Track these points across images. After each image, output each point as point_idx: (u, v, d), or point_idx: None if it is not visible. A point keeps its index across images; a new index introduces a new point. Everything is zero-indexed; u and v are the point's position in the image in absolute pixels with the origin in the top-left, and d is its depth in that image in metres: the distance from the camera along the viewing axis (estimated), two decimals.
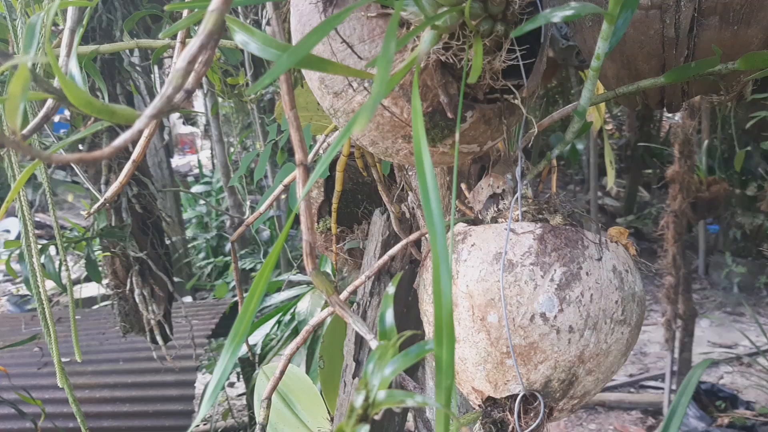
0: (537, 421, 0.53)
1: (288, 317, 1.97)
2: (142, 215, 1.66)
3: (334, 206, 0.82)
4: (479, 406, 0.57)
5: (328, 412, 1.03)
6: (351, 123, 0.41)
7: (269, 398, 0.61)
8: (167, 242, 1.82)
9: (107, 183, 1.67)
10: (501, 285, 0.51)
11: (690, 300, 2.68)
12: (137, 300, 1.66)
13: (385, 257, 0.59)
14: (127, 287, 1.70)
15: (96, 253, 1.70)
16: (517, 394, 0.54)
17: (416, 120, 0.39)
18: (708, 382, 2.67)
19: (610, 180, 2.56)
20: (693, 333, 2.68)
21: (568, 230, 0.53)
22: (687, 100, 0.72)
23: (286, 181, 0.78)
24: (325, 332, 1.01)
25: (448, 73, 0.46)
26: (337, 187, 0.88)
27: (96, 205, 0.64)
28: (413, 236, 0.59)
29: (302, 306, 1.89)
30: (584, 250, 0.52)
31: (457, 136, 0.43)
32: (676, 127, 2.58)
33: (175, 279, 1.92)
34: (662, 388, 2.73)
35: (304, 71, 0.55)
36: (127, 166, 0.57)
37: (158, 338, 1.74)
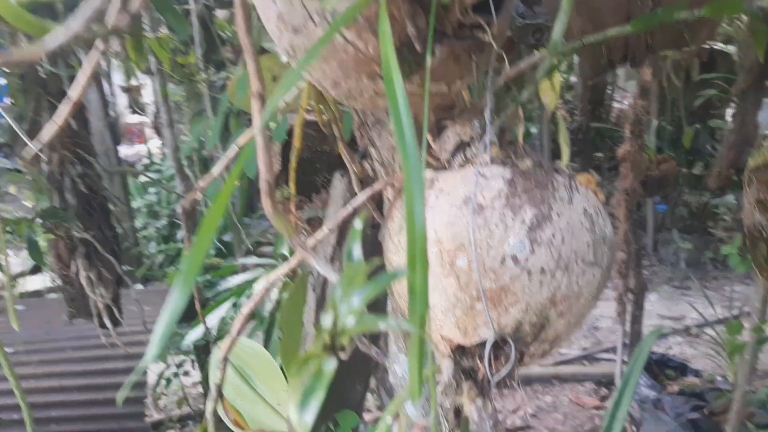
0: (508, 367, 0.52)
1: (244, 300, 1.92)
2: (87, 195, 1.59)
3: (293, 165, 0.78)
4: (448, 356, 0.55)
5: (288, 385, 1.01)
6: (311, 52, 0.39)
7: (225, 359, 0.58)
8: (117, 231, 1.75)
9: (49, 162, 1.60)
10: (470, 228, 0.50)
11: (640, 275, 2.75)
12: (83, 283, 1.59)
13: (348, 208, 0.56)
14: (72, 270, 1.63)
15: (39, 236, 1.62)
16: (488, 340, 0.52)
17: (386, 43, 0.36)
18: (658, 353, 2.75)
19: (565, 158, 2.59)
20: (643, 306, 2.75)
21: (537, 173, 0.52)
22: (651, 54, 0.72)
23: (240, 141, 0.75)
24: (284, 303, 0.98)
25: (416, 3, 0.44)
26: (296, 143, 0.84)
27: (33, 150, 0.59)
28: (378, 185, 0.57)
29: (258, 288, 1.85)
30: (554, 192, 0.51)
31: (428, 64, 0.41)
32: (627, 108, 2.63)
33: (126, 268, 1.85)
34: (614, 360, 2.80)
35: (260, 11, 0.52)
36: (65, 106, 0.52)
37: (107, 322, 1.68)
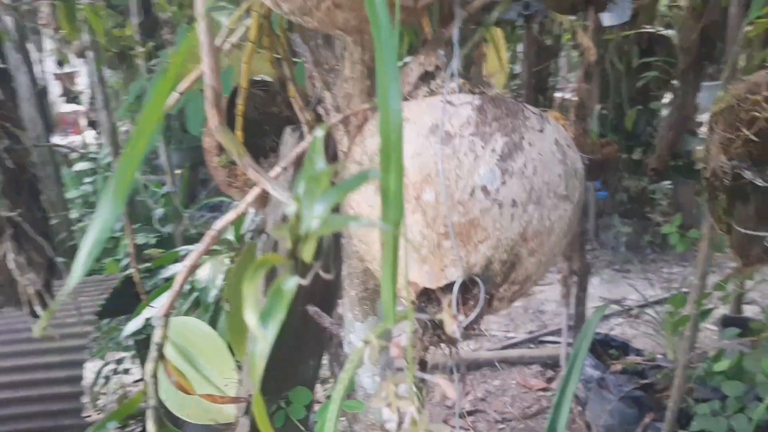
0: (476, 311, 0.49)
1: (187, 287, 1.84)
2: (13, 171, 1.48)
3: (240, 109, 0.73)
4: (412, 302, 0.52)
5: (237, 362, 0.96)
6: None
7: (166, 315, 0.53)
8: (51, 221, 1.64)
9: None
10: (438, 158, 0.46)
11: (584, 257, 2.79)
12: (12, 267, 1.48)
13: (304, 144, 0.52)
14: None
15: None
16: (454, 282, 0.49)
17: None
18: (601, 333, 2.80)
19: None
20: (587, 289, 2.80)
21: (507, 101, 0.49)
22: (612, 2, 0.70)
23: (181, 87, 0.69)
24: (231, 272, 0.92)
25: None
26: (242, 82, 0.77)
27: None
28: (336, 118, 0.53)
29: (202, 274, 1.76)
30: (525, 121, 0.49)
31: None
32: (569, 97, 2.67)
33: (60, 260, 1.74)
34: (559, 342, 2.85)
35: None
36: None
37: (38, 310, 1.57)
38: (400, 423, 0.29)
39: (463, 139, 0.47)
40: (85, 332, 1.81)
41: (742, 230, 0.76)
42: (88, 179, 3.87)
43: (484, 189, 0.46)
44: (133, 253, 0.97)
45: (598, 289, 3.34)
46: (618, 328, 3.04)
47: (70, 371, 2.00)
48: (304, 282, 0.34)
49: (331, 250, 0.33)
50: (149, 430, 0.49)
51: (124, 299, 2.26)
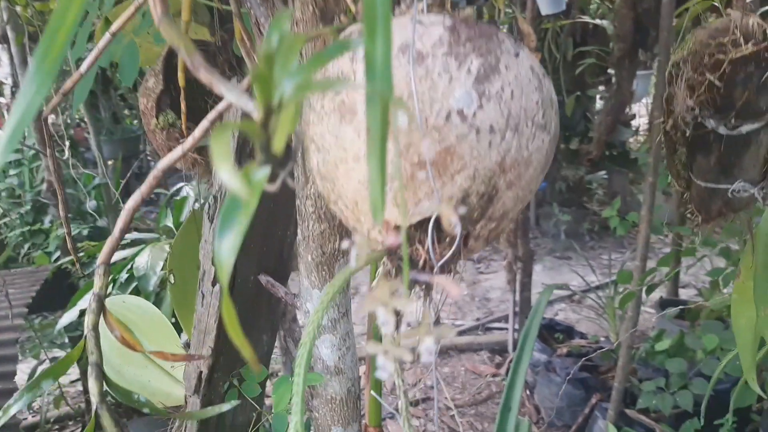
0: (452, 249, 0.46)
1: (125, 275, 1.74)
2: None
3: (181, 83, 0.67)
4: (381, 243, 0.48)
5: (186, 341, 0.89)
6: None
7: (106, 263, 0.47)
8: None
9: None
10: (411, 78, 0.42)
11: (528, 243, 2.83)
12: None
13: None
14: None
15: None
16: (429, 218, 0.46)
17: None
18: (546, 318, 2.84)
19: None
20: (531, 274, 2.84)
21: (480, 23, 0.46)
22: None
23: (113, 28, 0.63)
24: (175, 240, 0.86)
25: None
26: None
27: None
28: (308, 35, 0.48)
29: (141, 261, 1.68)
30: (500, 44, 0.45)
31: None
32: None
33: None
34: (506, 328, 2.87)
35: None
36: None
37: None
38: (397, 324, 0.25)
39: (436, 59, 0.43)
40: (16, 326, 1.69)
41: (703, 184, 0.76)
42: (13, 171, 3.65)
43: (461, 113, 0.43)
44: (69, 235, 0.89)
45: (540, 275, 3.40)
46: (562, 314, 3.10)
47: (2, 367, 1.87)
48: (272, 188, 0.30)
49: (298, 149, 0.29)
50: (90, 388, 0.43)
51: (56, 292, 2.13)
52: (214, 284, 0.76)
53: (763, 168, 0.72)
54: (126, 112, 3.49)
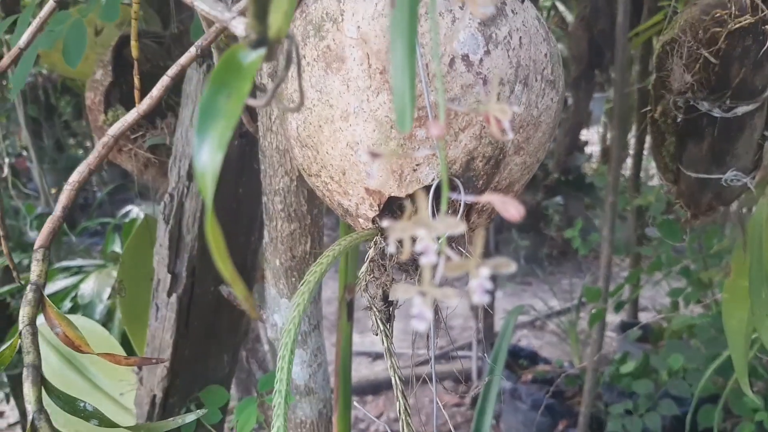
0: (456, 224, 0.40)
1: (69, 305, 1.61)
2: None
3: (134, 44, 0.59)
4: (372, 220, 0.41)
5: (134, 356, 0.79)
6: None
7: (45, 248, 0.39)
8: None
9: None
10: None
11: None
12: None
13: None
14: None
15: None
16: (430, 185, 0.40)
17: None
18: (510, 344, 2.80)
19: None
20: (494, 300, 2.80)
21: None
22: None
23: None
24: (125, 248, 0.77)
25: None
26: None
27: None
28: None
29: (87, 288, 1.55)
30: None
31: None
32: None
33: None
34: (470, 356, 2.82)
35: None
36: None
37: None
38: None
39: None
40: None
41: (693, 175, 0.72)
42: None
43: (466, 59, 0.37)
44: (14, 268, 0.79)
45: (502, 302, 3.36)
46: (524, 339, 3.06)
47: None
48: (259, 103, 0.23)
49: (294, 53, 0.23)
50: (26, 394, 0.35)
51: None
52: (170, 294, 0.68)
53: (756, 155, 0.69)
54: (71, 140, 3.34)
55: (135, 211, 1.81)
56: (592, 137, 3.95)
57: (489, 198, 0.19)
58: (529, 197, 3.56)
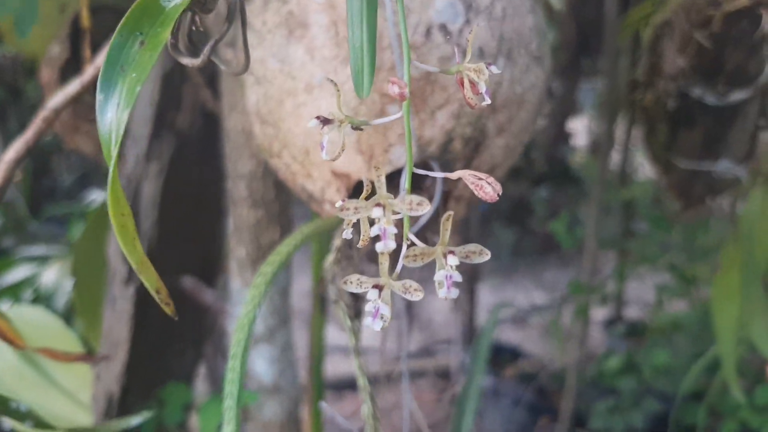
0: (430, 210, 0.36)
1: (30, 295, 1.54)
2: None
3: (84, 13, 0.54)
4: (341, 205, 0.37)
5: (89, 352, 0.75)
6: None
7: None
8: None
9: None
10: None
11: (474, 264, 2.77)
12: None
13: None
14: None
15: None
16: (401, 169, 0.36)
17: None
18: (492, 339, 2.78)
19: None
20: (476, 295, 2.78)
21: None
22: None
23: None
24: (81, 236, 0.72)
25: None
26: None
27: None
28: None
29: (48, 277, 1.48)
30: None
31: None
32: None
33: None
34: (451, 351, 2.79)
35: None
36: None
37: None
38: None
39: None
40: None
41: (684, 166, 0.69)
42: None
43: (443, 28, 0.33)
44: None
45: (485, 296, 3.34)
46: (506, 334, 3.04)
47: None
48: (195, 62, 0.19)
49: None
50: None
51: None
52: (127, 284, 0.63)
53: (749, 144, 0.66)
54: None
55: (101, 197, 1.74)
56: (578, 128, 3.92)
57: (462, 173, 0.16)
58: (514, 189, 3.54)
